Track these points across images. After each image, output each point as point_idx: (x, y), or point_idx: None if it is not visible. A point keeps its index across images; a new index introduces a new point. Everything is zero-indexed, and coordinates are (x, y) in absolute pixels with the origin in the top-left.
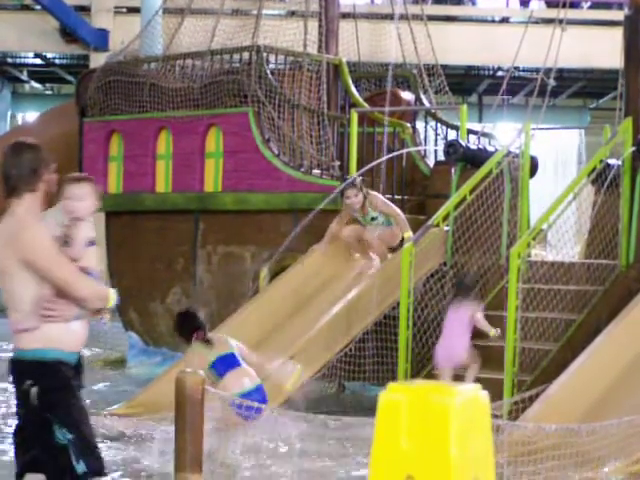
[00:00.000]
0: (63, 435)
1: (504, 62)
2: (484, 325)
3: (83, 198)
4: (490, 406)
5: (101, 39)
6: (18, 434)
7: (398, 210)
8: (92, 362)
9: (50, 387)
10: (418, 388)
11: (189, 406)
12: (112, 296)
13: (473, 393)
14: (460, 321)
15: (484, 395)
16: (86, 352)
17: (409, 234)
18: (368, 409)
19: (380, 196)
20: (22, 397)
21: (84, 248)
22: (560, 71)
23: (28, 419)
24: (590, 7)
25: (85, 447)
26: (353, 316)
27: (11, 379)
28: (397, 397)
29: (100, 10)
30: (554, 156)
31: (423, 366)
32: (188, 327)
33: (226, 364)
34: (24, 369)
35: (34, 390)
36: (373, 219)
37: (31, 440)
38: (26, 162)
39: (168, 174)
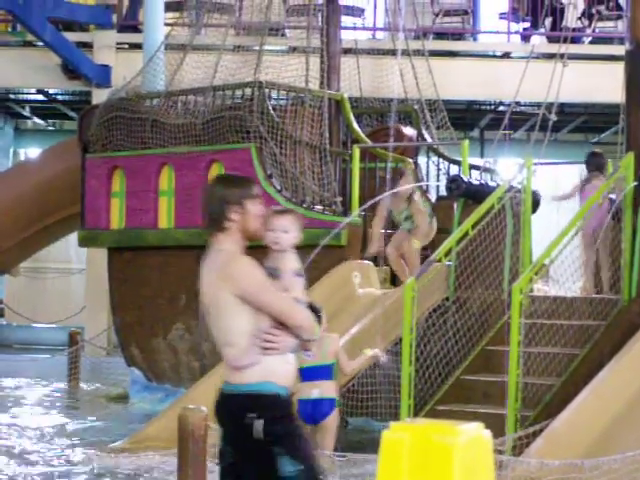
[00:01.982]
0: (294, 466)
1: (506, 97)
2: None
3: (287, 229)
4: (493, 442)
5: (103, 75)
6: (228, 474)
7: (425, 224)
8: (95, 398)
9: (275, 418)
10: (421, 427)
11: (192, 442)
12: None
13: (476, 432)
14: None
15: (487, 434)
16: (88, 387)
17: (419, 245)
18: (372, 445)
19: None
20: (239, 432)
21: (292, 279)
22: (561, 106)
23: (245, 455)
24: (591, 42)
25: (314, 477)
26: (356, 351)
27: (220, 416)
28: (400, 436)
29: (102, 46)
30: (556, 191)
31: (426, 402)
32: None
33: (305, 375)
34: (242, 403)
35: (259, 423)
36: (407, 218)
37: (251, 477)
38: (215, 200)
39: (170, 210)
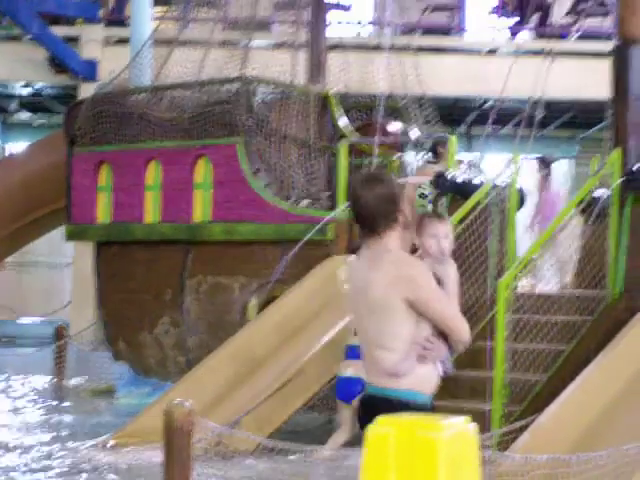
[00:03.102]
0: None
1: (493, 93)
2: None
3: (448, 236)
4: (479, 437)
5: (90, 70)
6: None
7: None
8: (81, 392)
9: None
10: (406, 422)
11: (177, 437)
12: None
13: (461, 426)
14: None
15: (472, 428)
16: (74, 382)
17: None
18: (356, 440)
19: None
20: None
21: (454, 287)
22: (549, 102)
23: None
24: (578, 38)
25: None
26: (342, 347)
27: (364, 418)
28: (385, 431)
29: (89, 41)
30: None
31: None
32: None
33: (348, 352)
34: (391, 409)
35: None
36: (424, 196)
37: None
38: (382, 199)
39: (157, 205)
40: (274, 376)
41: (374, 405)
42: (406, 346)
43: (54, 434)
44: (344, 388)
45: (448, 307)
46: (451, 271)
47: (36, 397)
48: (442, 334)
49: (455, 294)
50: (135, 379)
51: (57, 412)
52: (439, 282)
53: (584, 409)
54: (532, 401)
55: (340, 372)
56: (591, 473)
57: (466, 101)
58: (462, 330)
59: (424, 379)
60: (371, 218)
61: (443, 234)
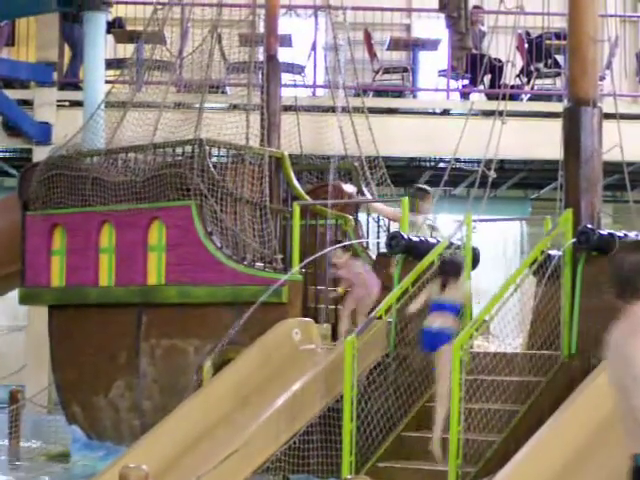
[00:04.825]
0: None
1: (445, 154)
2: None
3: None
4: None
5: (44, 133)
6: None
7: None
8: (36, 456)
9: None
10: None
11: None
12: None
13: None
14: None
15: None
16: (29, 446)
17: None
18: None
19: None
20: None
21: None
22: (501, 162)
23: None
24: (530, 99)
25: None
26: (297, 408)
27: None
28: None
29: (43, 104)
30: (496, 247)
31: (367, 459)
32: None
33: (434, 307)
34: None
35: None
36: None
37: None
38: (632, 267)
39: (111, 267)
40: (229, 439)
41: None
42: None
43: None
44: (431, 340)
45: None
46: None
47: None
48: None
49: None
50: (89, 443)
51: (12, 476)
52: None
53: (538, 470)
54: (487, 462)
55: (427, 324)
56: None
57: (419, 161)
58: None
59: None
60: (621, 284)
61: None
